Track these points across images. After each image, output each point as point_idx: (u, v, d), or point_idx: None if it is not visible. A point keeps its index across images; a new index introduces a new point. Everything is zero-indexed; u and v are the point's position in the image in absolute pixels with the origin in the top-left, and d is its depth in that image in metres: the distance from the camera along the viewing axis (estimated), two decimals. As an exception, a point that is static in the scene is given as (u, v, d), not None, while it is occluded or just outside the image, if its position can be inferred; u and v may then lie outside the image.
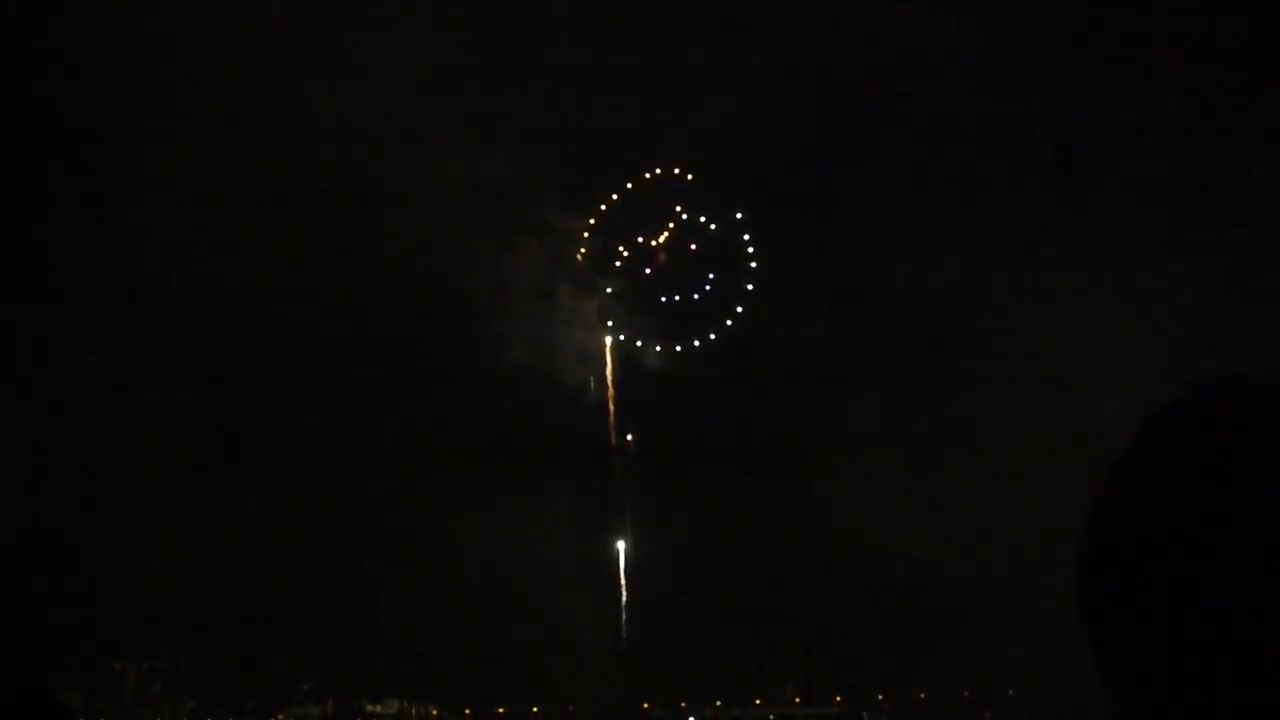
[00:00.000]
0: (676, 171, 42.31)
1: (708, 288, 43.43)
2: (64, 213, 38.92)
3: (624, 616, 41.81)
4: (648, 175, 42.86)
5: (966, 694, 40.24)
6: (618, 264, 43.56)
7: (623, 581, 42.24)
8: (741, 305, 43.27)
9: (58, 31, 37.18)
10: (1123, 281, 36.39)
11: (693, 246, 42.78)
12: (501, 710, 40.93)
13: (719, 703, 41.05)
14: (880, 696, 40.87)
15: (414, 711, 40.38)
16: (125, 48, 37.01)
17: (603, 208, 43.34)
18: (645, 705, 40.79)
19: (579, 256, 43.51)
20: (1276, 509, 1.02)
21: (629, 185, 43.09)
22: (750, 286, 42.89)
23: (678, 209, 42.61)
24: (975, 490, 35.44)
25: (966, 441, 37.50)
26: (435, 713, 40.86)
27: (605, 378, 43.38)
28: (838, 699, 40.97)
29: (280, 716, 38.73)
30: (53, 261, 38.77)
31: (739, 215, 42.33)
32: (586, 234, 43.44)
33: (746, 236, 42.62)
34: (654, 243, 43.28)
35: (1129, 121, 39.42)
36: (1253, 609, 1.00)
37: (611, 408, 43.33)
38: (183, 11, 38.27)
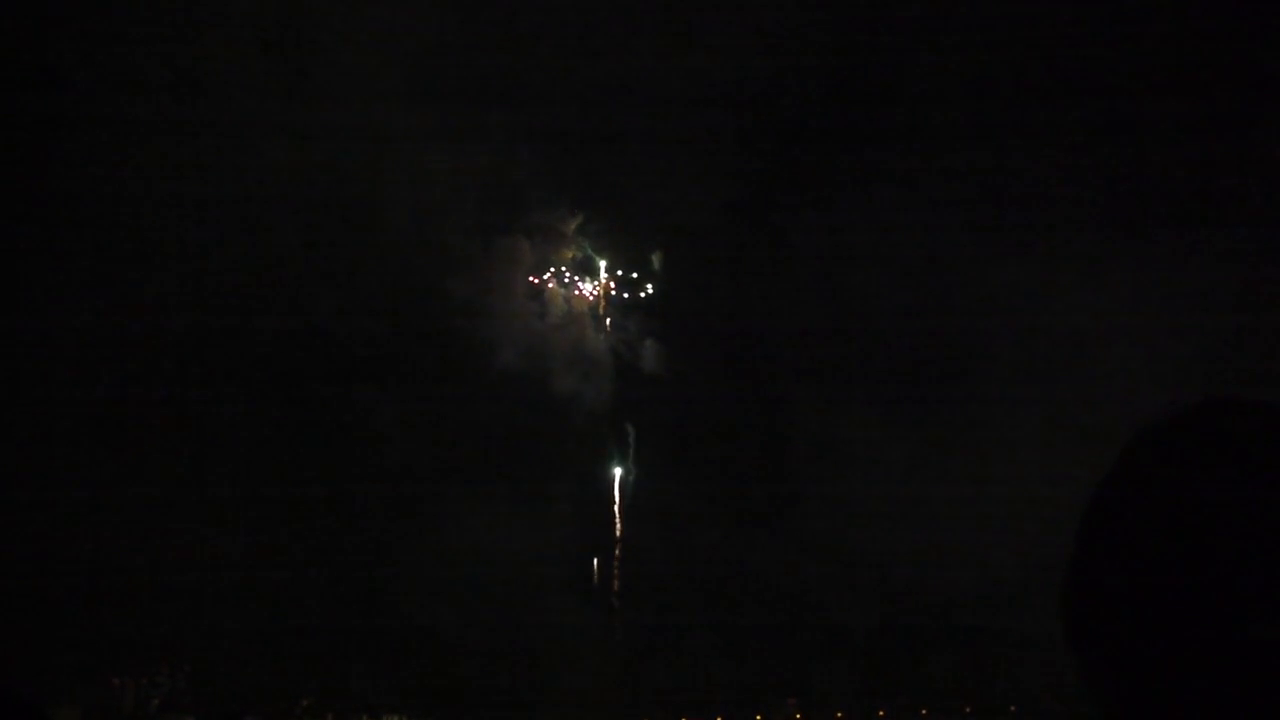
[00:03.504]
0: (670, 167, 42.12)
1: (700, 286, 43.45)
2: (42, 211, 38.97)
3: (623, 629, 41.72)
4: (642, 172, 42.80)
5: (968, 710, 40.12)
6: (610, 265, 43.62)
7: (622, 593, 42.17)
8: (737, 303, 43.27)
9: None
10: (1131, 283, 36.40)
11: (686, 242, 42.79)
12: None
13: (719, 717, 40.91)
14: (881, 712, 40.73)
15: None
16: (109, 41, 37.14)
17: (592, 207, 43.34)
18: (645, 720, 40.68)
19: (569, 256, 43.54)
20: (1262, 525, 1.03)
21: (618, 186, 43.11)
22: (744, 284, 42.89)
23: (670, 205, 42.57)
24: (978, 501, 35.41)
25: (969, 449, 37.49)
26: (435, 728, 40.69)
27: (601, 380, 43.36)
28: (839, 715, 40.82)
29: (279, 732, 38.59)
30: (42, 260, 38.82)
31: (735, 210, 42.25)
32: (578, 234, 43.47)
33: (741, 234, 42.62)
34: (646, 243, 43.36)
35: (1131, 113, 39.45)
36: (1239, 624, 1.00)
37: (608, 411, 43.30)
38: (162, 6, 38.44)
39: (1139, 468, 1.11)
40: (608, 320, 43.58)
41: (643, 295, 43.20)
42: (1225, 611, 0.97)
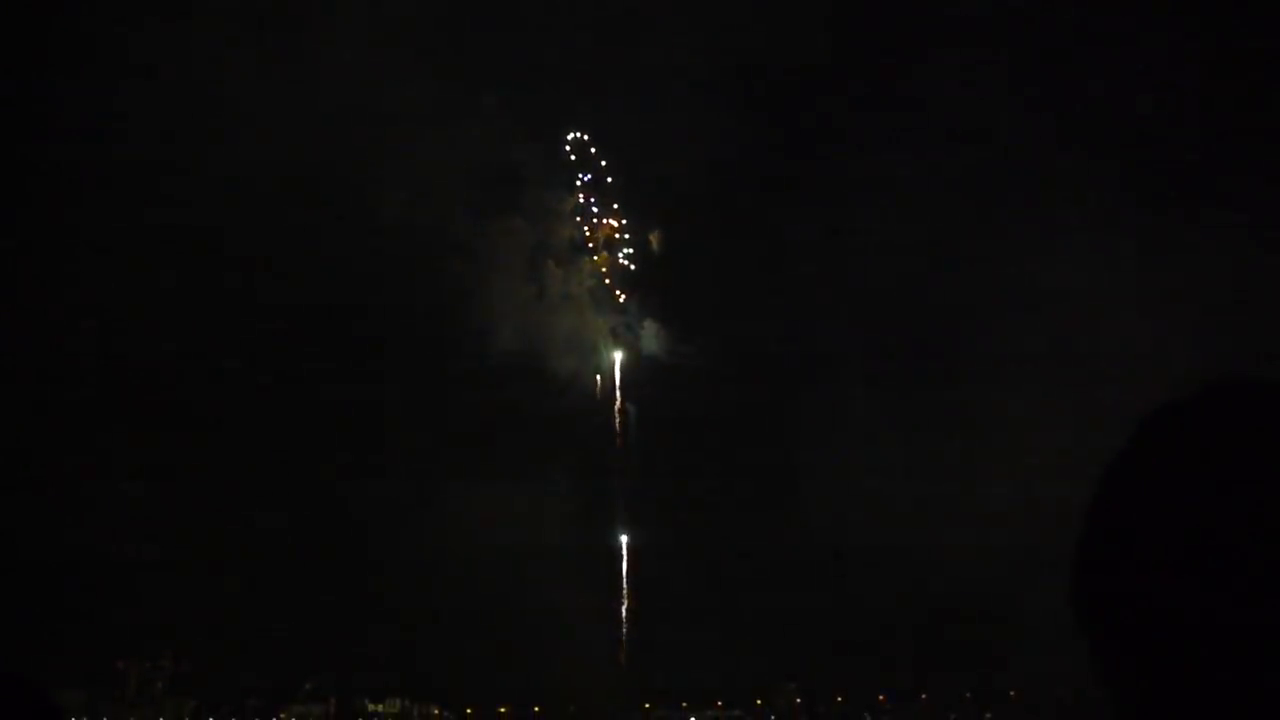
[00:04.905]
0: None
1: (704, 272, 43.26)
2: (37, 207, 38.99)
3: (625, 614, 41.79)
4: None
5: (967, 695, 40.18)
6: (606, 246, 43.44)
7: (624, 578, 42.21)
8: (742, 291, 43.06)
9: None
10: (1137, 275, 36.31)
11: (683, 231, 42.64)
12: (503, 710, 40.89)
13: (720, 703, 40.99)
14: (880, 697, 40.82)
15: (416, 711, 40.34)
16: (107, 39, 37.11)
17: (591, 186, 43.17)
18: (647, 705, 40.74)
19: (567, 238, 43.36)
20: (1273, 509, 1.05)
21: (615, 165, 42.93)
22: (751, 272, 42.73)
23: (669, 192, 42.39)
24: (979, 490, 35.40)
25: (972, 440, 37.45)
26: (437, 712, 40.82)
27: (603, 364, 43.20)
28: (839, 699, 40.91)
29: (282, 716, 38.72)
30: (35, 255, 38.86)
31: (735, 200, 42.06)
32: (577, 217, 43.31)
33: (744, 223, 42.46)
34: (646, 226, 43.21)
35: (1137, 105, 39.26)
36: (1252, 610, 1.02)
37: (614, 398, 43.17)
38: None
39: (1148, 451, 1.14)
40: (610, 297, 43.48)
41: (663, 285, 42.95)
42: (1236, 595, 1.00)
